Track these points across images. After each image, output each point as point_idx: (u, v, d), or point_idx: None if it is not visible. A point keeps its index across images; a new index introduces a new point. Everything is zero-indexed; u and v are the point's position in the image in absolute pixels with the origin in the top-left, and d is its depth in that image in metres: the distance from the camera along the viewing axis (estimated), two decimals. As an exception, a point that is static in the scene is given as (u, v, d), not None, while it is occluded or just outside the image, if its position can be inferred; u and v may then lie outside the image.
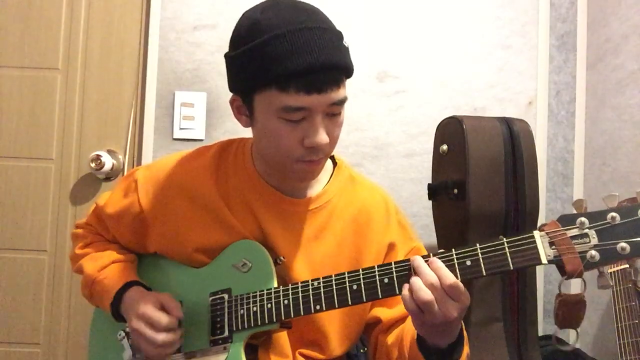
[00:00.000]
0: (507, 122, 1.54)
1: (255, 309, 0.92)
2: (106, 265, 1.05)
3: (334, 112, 0.89)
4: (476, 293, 1.47)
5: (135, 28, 1.95)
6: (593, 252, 0.74)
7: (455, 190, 1.49)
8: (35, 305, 1.90)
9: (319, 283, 0.88)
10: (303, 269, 0.97)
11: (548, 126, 1.97)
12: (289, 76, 0.83)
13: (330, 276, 0.88)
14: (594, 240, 0.74)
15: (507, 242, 0.78)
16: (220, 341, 0.94)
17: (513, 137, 1.51)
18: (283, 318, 0.90)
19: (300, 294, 0.89)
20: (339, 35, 0.89)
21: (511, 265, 0.77)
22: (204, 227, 0.99)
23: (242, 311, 0.93)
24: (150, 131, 1.93)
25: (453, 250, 0.80)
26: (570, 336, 1.88)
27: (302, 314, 0.89)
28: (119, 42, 1.95)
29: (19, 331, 1.90)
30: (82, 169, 1.93)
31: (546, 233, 0.76)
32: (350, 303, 0.86)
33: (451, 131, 1.54)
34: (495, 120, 1.55)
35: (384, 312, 1.00)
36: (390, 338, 0.97)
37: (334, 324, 0.98)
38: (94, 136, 1.94)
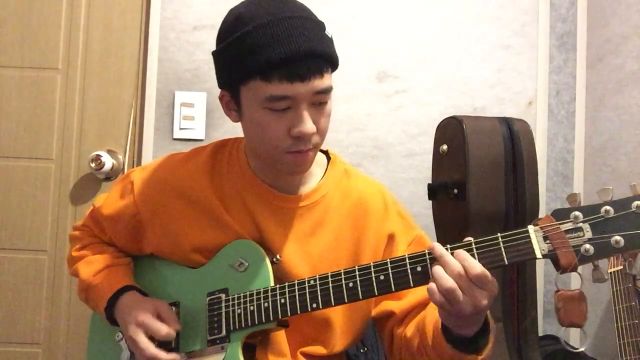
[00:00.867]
0: (507, 122, 1.54)
1: (252, 308, 0.91)
2: (101, 270, 1.05)
3: (319, 101, 0.89)
4: (476, 293, 1.47)
5: (135, 28, 1.95)
6: (587, 246, 0.74)
7: (455, 190, 1.48)
8: (35, 305, 1.91)
9: (315, 281, 0.88)
10: (301, 266, 0.97)
11: (548, 126, 1.97)
12: (271, 65, 0.83)
13: (327, 274, 0.88)
14: (588, 234, 0.74)
15: (502, 237, 0.78)
16: (217, 341, 0.94)
17: (513, 137, 1.51)
18: (280, 317, 0.90)
19: (297, 293, 0.89)
20: (321, 25, 0.89)
21: (506, 260, 0.77)
22: (200, 227, 0.99)
23: (239, 311, 0.93)
24: (150, 131, 1.93)
25: (448, 245, 0.80)
26: (571, 339, 1.88)
27: (298, 312, 0.89)
28: (119, 42, 1.95)
29: (19, 331, 1.90)
30: (82, 169, 1.93)
31: (540, 228, 0.76)
32: (346, 300, 0.86)
33: (451, 131, 1.54)
34: (495, 120, 1.55)
35: (395, 304, 0.99)
36: (409, 330, 0.96)
37: (338, 318, 0.98)
38: (94, 136, 1.94)
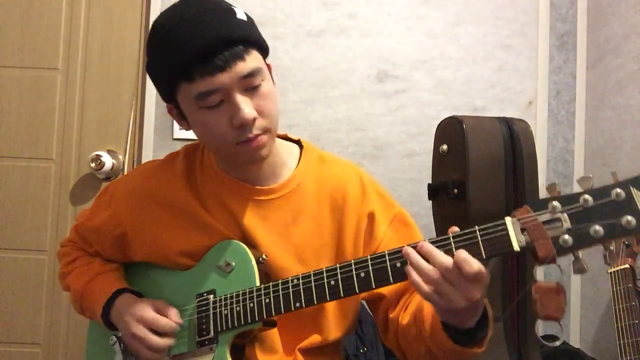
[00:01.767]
0: (507, 122, 1.54)
1: (238, 308, 0.92)
2: (92, 278, 1.05)
3: (251, 85, 0.87)
4: (476, 293, 1.47)
5: (135, 28, 1.95)
6: (566, 237, 0.71)
7: (455, 190, 1.48)
8: (35, 305, 1.91)
9: (298, 280, 0.88)
10: (287, 257, 0.97)
11: (548, 126, 1.97)
12: (187, 65, 0.84)
13: (309, 273, 0.88)
14: (567, 225, 0.71)
15: (480, 231, 0.76)
16: (206, 342, 0.94)
17: (513, 137, 1.51)
18: (265, 316, 0.90)
19: (280, 292, 0.89)
20: (230, 11, 0.88)
21: (484, 254, 0.75)
22: (184, 232, 0.99)
23: (226, 312, 0.93)
24: (150, 131, 1.93)
25: (427, 240, 0.79)
26: (571, 336, 1.88)
27: (282, 311, 0.89)
28: (119, 42, 1.95)
29: (19, 331, 1.90)
30: (82, 169, 1.93)
31: (517, 219, 0.74)
32: (328, 299, 0.86)
33: (451, 131, 1.54)
34: (495, 120, 1.55)
35: (385, 288, 0.97)
36: (405, 317, 0.95)
37: (330, 307, 0.98)
38: (94, 136, 1.94)
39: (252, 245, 0.97)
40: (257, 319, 0.90)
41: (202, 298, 0.97)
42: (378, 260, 0.82)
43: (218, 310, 0.94)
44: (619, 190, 0.70)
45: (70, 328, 1.90)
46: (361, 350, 1.33)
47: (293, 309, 0.88)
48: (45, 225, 1.92)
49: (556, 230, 0.72)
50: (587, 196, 0.71)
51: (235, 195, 0.99)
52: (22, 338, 1.90)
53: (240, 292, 0.93)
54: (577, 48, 1.98)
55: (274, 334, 0.97)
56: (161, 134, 1.93)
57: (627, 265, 1.38)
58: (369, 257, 0.83)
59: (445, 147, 1.55)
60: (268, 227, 0.98)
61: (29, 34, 1.93)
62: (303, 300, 0.88)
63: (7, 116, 1.93)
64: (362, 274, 0.83)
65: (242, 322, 0.91)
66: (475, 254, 0.75)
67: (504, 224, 0.75)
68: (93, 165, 1.85)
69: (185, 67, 0.84)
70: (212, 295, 0.96)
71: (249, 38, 0.88)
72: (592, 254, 1.26)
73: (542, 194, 1.88)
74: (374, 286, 0.82)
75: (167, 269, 1.03)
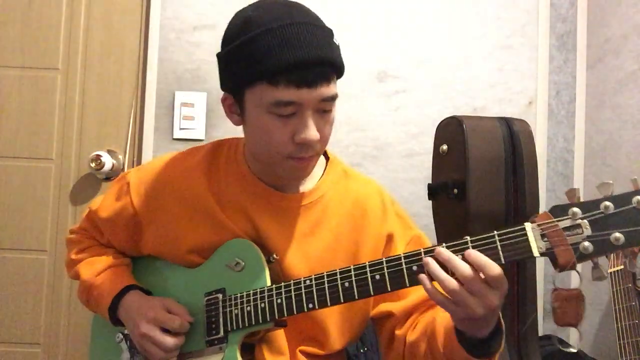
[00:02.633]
0: (507, 122, 1.54)
1: (249, 308, 0.91)
2: (102, 270, 1.04)
3: (324, 108, 0.88)
4: (476, 293, 1.47)
5: (135, 28, 1.95)
6: (586, 244, 0.71)
7: (455, 190, 1.48)
8: (35, 305, 1.91)
9: (311, 281, 0.87)
10: (299, 265, 0.96)
11: (548, 126, 1.97)
12: (279, 70, 0.83)
13: (323, 274, 0.87)
14: (587, 231, 0.71)
15: (498, 235, 0.76)
16: (215, 341, 0.94)
17: (513, 137, 1.51)
18: (277, 317, 0.89)
19: (292, 293, 0.88)
20: (329, 33, 0.88)
21: (502, 259, 0.74)
22: (196, 228, 0.98)
23: (236, 311, 0.92)
24: (150, 131, 1.93)
25: (443, 244, 0.78)
26: (570, 336, 1.88)
27: (295, 312, 0.88)
28: (119, 42, 1.95)
29: (19, 331, 1.91)
30: (82, 169, 1.93)
31: (538, 225, 0.74)
32: (342, 300, 0.85)
33: (451, 131, 1.54)
34: (495, 120, 1.54)
35: (394, 305, 0.98)
36: (414, 334, 0.95)
37: (333, 318, 0.98)
38: (94, 136, 1.94)
39: (264, 248, 0.96)
40: (268, 319, 0.90)
41: (211, 297, 0.96)
42: (394, 263, 0.82)
43: (228, 309, 0.93)
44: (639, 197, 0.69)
45: (70, 328, 1.90)
46: (361, 350, 1.33)
47: (306, 309, 0.87)
48: (45, 225, 1.92)
49: (576, 236, 0.72)
50: (607, 203, 0.71)
51: (257, 197, 0.99)
52: (22, 338, 1.90)
53: (251, 292, 0.92)
54: (577, 48, 1.98)
55: (281, 336, 0.97)
56: (161, 134, 1.93)
57: (625, 266, 1.38)
58: (384, 259, 0.83)
59: (445, 147, 1.55)
60: (284, 234, 0.97)
61: (29, 34, 1.93)
62: (316, 302, 0.87)
63: (7, 116, 1.93)
64: (377, 277, 0.82)
65: (253, 322, 0.91)
66: (494, 259, 0.75)
67: (524, 229, 0.75)
68: (93, 165, 1.85)
69: (274, 72, 0.83)
70: (221, 294, 0.95)
71: (339, 65, 0.89)
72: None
73: (542, 194, 1.88)
74: (389, 289, 0.82)
75: (175, 265, 1.02)
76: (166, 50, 1.94)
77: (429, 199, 1.63)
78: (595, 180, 1.87)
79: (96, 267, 1.05)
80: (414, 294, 0.96)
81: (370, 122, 1.95)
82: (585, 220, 0.72)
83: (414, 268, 0.80)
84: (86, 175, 1.93)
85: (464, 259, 0.75)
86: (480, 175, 1.46)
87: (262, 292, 0.91)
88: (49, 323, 1.91)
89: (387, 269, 0.82)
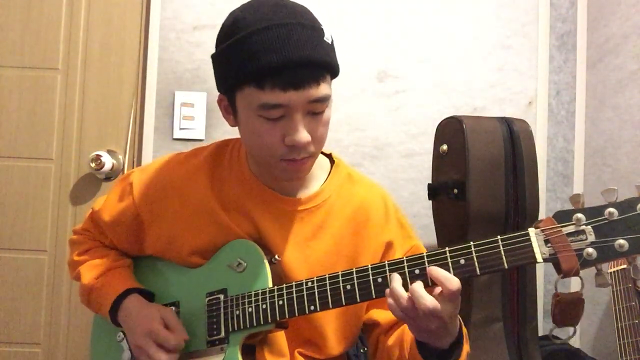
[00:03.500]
0: (507, 122, 1.54)
1: (250, 309, 0.91)
2: (103, 273, 1.04)
3: (315, 110, 0.86)
4: (476, 293, 1.47)
5: (135, 28, 1.95)
6: (590, 250, 0.71)
7: (455, 190, 1.48)
8: (35, 305, 1.91)
9: (312, 283, 0.87)
10: (300, 268, 0.96)
11: (548, 126, 1.97)
12: (264, 73, 0.82)
13: (324, 276, 0.87)
14: (591, 237, 0.72)
15: (502, 240, 0.76)
16: (217, 342, 0.94)
17: (513, 137, 1.51)
18: (278, 318, 0.89)
19: (294, 295, 0.88)
20: (319, 32, 0.86)
21: (505, 264, 0.75)
22: (198, 229, 0.98)
23: (237, 312, 0.92)
24: (150, 131, 1.93)
25: (447, 248, 0.79)
26: (570, 337, 1.88)
27: (296, 314, 0.88)
28: (119, 42, 1.95)
29: (19, 331, 1.90)
30: (82, 169, 1.93)
31: (541, 230, 0.74)
32: (344, 303, 0.85)
33: (451, 131, 1.54)
34: (495, 120, 1.55)
35: (381, 314, 0.99)
36: (391, 339, 0.97)
37: (331, 324, 0.98)
38: (94, 136, 1.94)
39: (266, 249, 0.96)
40: (269, 320, 0.90)
41: (212, 297, 0.96)
42: (396, 267, 0.82)
43: (229, 310, 0.93)
44: None
45: (70, 328, 1.90)
46: (361, 350, 1.33)
47: (307, 312, 0.87)
48: (45, 225, 1.92)
49: (580, 242, 0.72)
50: (611, 209, 0.71)
51: (259, 200, 0.98)
52: (22, 338, 1.90)
53: (253, 293, 0.92)
54: (577, 48, 1.97)
55: (281, 337, 0.97)
56: (161, 134, 1.93)
57: (625, 265, 1.38)
58: (386, 262, 0.83)
59: (445, 147, 1.55)
60: (286, 237, 0.97)
61: (29, 34, 1.93)
62: (318, 304, 0.87)
63: (7, 116, 1.93)
64: (380, 279, 0.83)
65: (255, 323, 0.91)
66: (497, 264, 0.75)
67: (528, 234, 0.75)
68: (93, 165, 1.85)
69: (259, 74, 0.82)
70: (222, 295, 0.95)
71: (329, 64, 0.87)
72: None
73: (542, 194, 1.88)
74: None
75: (177, 265, 1.02)
76: (166, 50, 1.94)
77: (429, 199, 1.63)
78: (596, 180, 1.87)
79: (97, 270, 1.05)
80: None
81: (370, 122, 1.95)
82: (589, 227, 0.72)
83: (417, 272, 0.81)
84: (86, 175, 1.93)
85: (427, 274, 0.78)
86: (480, 175, 1.46)
87: (263, 293, 0.91)
88: (49, 323, 1.91)
89: (389, 273, 0.82)
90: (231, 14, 0.89)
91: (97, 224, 1.09)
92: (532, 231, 0.75)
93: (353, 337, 1.03)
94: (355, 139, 1.95)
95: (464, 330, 0.86)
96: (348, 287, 0.85)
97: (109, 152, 1.92)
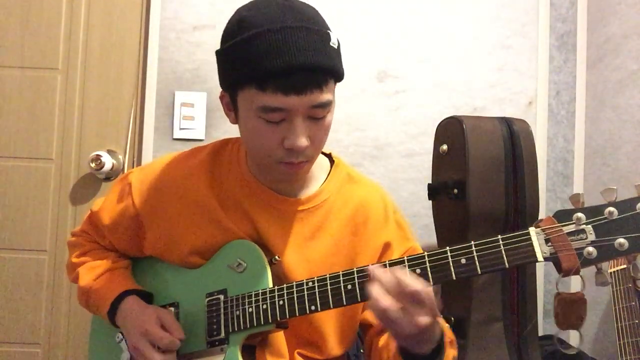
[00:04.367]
0: (507, 122, 1.54)
1: (250, 310, 0.91)
2: (101, 274, 1.04)
3: (316, 115, 0.86)
4: (476, 293, 1.47)
5: (135, 28, 1.95)
6: (590, 249, 0.72)
7: (455, 190, 1.48)
8: (35, 305, 1.91)
9: (313, 283, 0.87)
10: (299, 269, 0.96)
11: (548, 126, 1.97)
12: (266, 75, 0.81)
13: (325, 276, 0.87)
14: (591, 237, 0.72)
15: (502, 240, 0.76)
16: (217, 342, 0.93)
17: (513, 137, 1.51)
18: (279, 319, 0.89)
19: (295, 295, 0.88)
20: (325, 36, 0.85)
21: (506, 264, 0.75)
22: (198, 229, 0.98)
23: (237, 312, 0.92)
24: (150, 131, 1.93)
25: (447, 248, 0.79)
26: (571, 337, 1.88)
27: (297, 314, 0.88)
28: (119, 42, 1.95)
29: (19, 331, 1.90)
30: (82, 169, 1.93)
31: (542, 230, 0.75)
32: (345, 303, 0.85)
33: (451, 131, 1.54)
34: (495, 120, 1.55)
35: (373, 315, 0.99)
36: (381, 341, 0.97)
37: (331, 325, 0.98)
38: (94, 136, 1.94)
39: (266, 250, 0.96)
40: (270, 320, 0.89)
41: (212, 297, 0.96)
42: (397, 267, 0.81)
43: (229, 310, 0.93)
44: None
45: (70, 328, 1.90)
46: (361, 351, 1.33)
47: (308, 312, 0.87)
48: (45, 225, 1.92)
49: (581, 242, 0.73)
50: (611, 208, 0.72)
51: (258, 200, 0.98)
52: (22, 338, 1.90)
53: (253, 293, 0.92)
54: (577, 48, 1.98)
55: (281, 338, 0.97)
56: (161, 134, 1.93)
57: (625, 265, 1.38)
58: (387, 262, 0.83)
59: (445, 147, 1.55)
60: (285, 237, 0.97)
61: (29, 34, 1.93)
62: (319, 304, 0.86)
63: (7, 116, 1.93)
64: None
65: (255, 324, 0.90)
66: (498, 263, 0.76)
67: (528, 234, 0.75)
68: (93, 165, 1.85)
69: (262, 77, 0.81)
70: (222, 295, 0.95)
71: (333, 70, 0.86)
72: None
73: (542, 194, 1.88)
74: None
75: (177, 266, 1.02)
76: (166, 50, 1.94)
77: (429, 199, 1.63)
78: (596, 180, 1.87)
79: (95, 272, 1.05)
80: None
81: (370, 122, 1.95)
82: (589, 226, 0.73)
83: (418, 271, 0.80)
84: (86, 175, 1.93)
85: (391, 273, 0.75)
86: (480, 175, 1.46)
87: (263, 293, 0.91)
88: (49, 323, 1.91)
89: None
90: (237, 11, 0.89)
91: (96, 225, 1.09)
92: (532, 230, 0.75)
93: (352, 337, 1.03)
94: (355, 139, 1.95)
95: (449, 335, 0.85)
96: (349, 286, 0.85)
97: (109, 152, 1.92)
